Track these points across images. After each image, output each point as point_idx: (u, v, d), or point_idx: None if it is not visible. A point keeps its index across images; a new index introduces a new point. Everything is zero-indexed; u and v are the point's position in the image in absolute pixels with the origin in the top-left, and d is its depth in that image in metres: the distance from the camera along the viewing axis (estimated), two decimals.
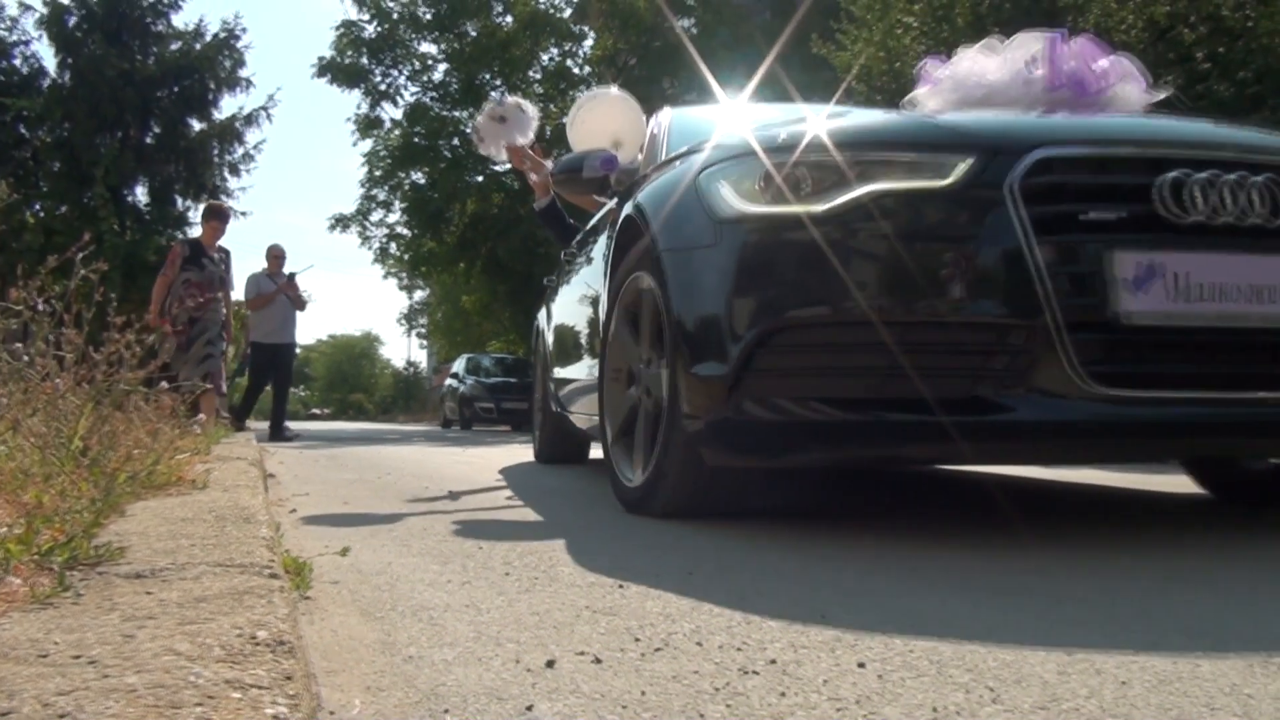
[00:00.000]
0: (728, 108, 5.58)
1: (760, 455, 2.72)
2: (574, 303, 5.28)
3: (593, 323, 4.50)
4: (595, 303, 4.47)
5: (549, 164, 5.70)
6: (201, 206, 9.82)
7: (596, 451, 6.25)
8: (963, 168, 2.47)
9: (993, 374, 2.41)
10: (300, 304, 11.24)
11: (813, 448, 2.61)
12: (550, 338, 6.31)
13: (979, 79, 3.68)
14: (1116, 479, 4.45)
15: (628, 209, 3.48)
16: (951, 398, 2.42)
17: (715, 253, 2.75)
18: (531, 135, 5.78)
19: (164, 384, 3.68)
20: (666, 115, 4.73)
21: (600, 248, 4.42)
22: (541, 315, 6.92)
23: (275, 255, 11.42)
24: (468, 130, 23.04)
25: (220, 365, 9.21)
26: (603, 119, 5.22)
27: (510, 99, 6.02)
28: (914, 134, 2.76)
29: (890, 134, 2.79)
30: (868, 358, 2.47)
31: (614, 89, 5.41)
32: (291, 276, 11.19)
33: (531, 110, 5.97)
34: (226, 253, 9.56)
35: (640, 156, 4.85)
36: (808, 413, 2.52)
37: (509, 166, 22.18)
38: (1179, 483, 3.95)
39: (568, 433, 5.95)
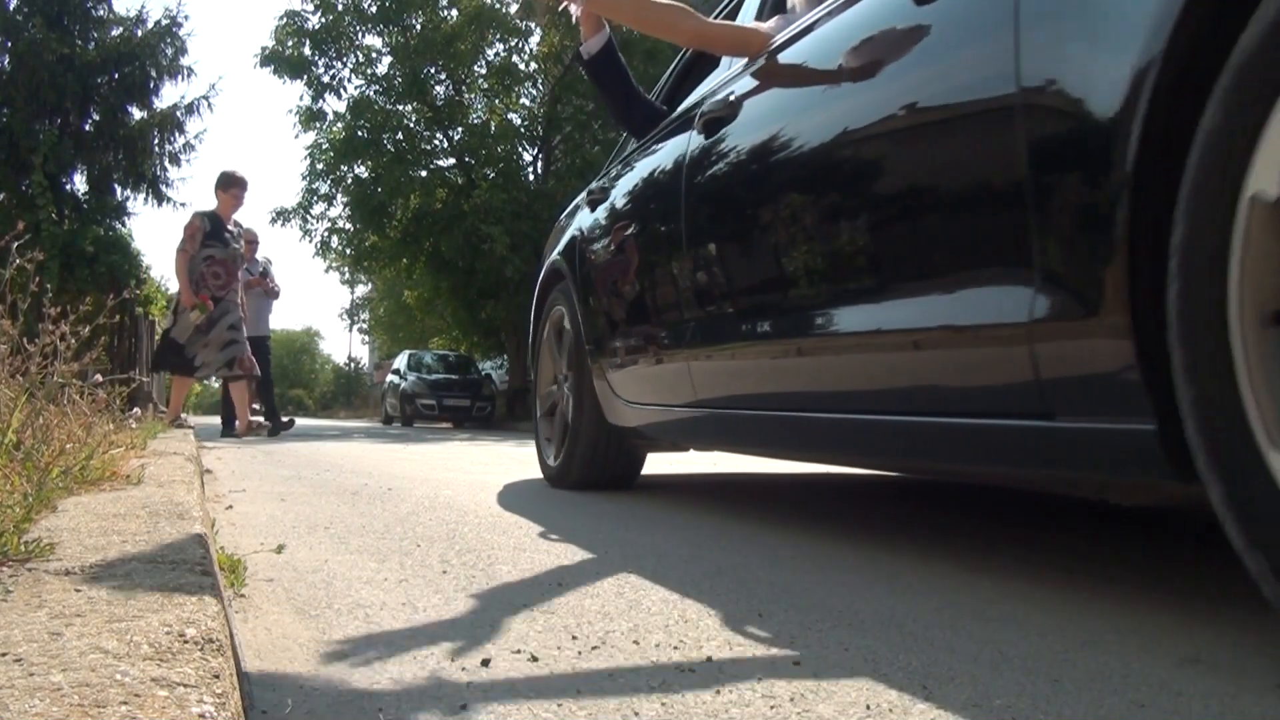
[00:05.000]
0: None
1: None
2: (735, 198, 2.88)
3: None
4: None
5: None
6: (219, 173, 8.63)
7: (653, 466, 4.93)
8: None
9: None
10: (274, 293, 10.78)
11: None
12: (610, 286, 3.88)
13: None
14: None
15: None
16: None
17: None
18: None
19: (98, 376, 3.61)
20: None
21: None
22: (564, 255, 4.44)
23: (248, 241, 10.86)
24: (412, 123, 22.91)
25: (247, 350, 8.60)
26: None
27: None
28: None
29: None
30: None
31: None
32: (265, 270, 10.79)
33: None
34: (240, 226, 8.91)
35: None
36: None
37: (452, 162, 21.43)
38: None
39: (618, 443, 4.05)
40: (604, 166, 4.58)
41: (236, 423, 9.11)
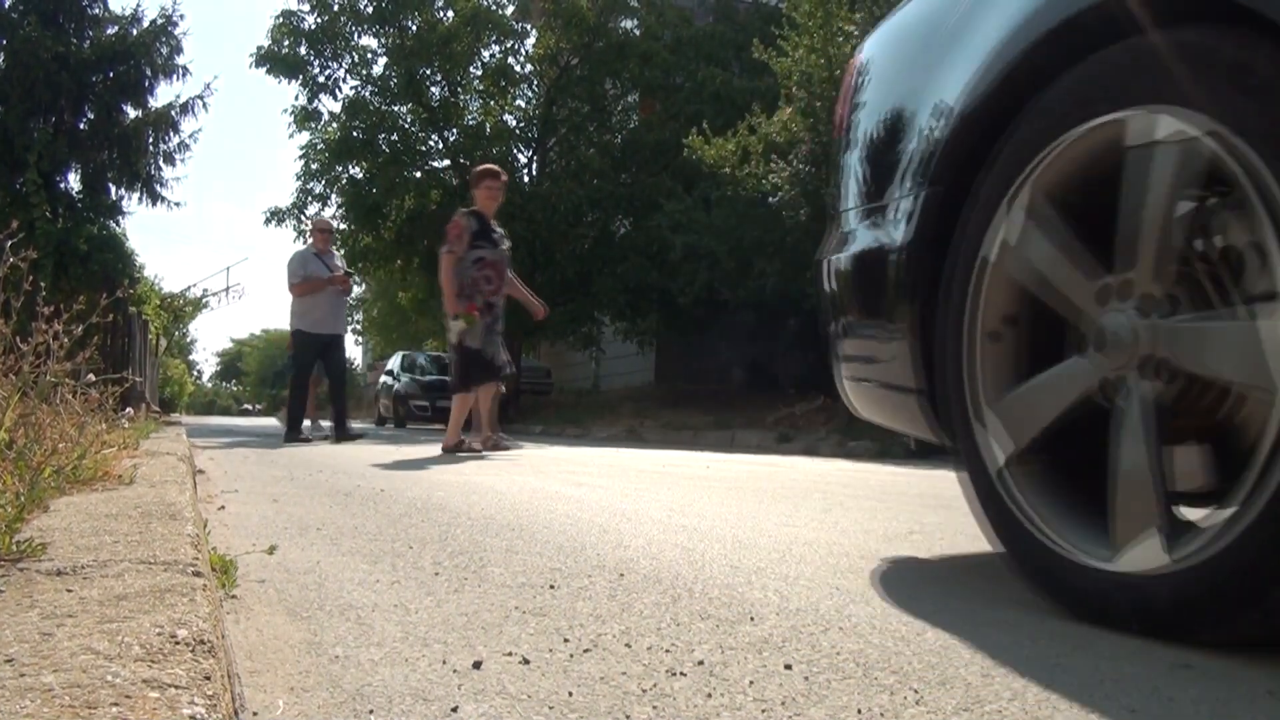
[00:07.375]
0: None
1: None
2: None
3: None
4: None
5: None
6: (472, 172, 8.09)
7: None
8: None
9: None
10: (348, 289, 10.37)
11: None
12: None
13: None
14: None
15: None
16: None
17: None
18: None
19: (91, 376, 3.60)
20: None
21: None
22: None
23: (324, 230, 10.48)
24: (407, 124, 22.89)
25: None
26: None
27: None
28: None
29: None
30: None
31: None
32: (348, 272, 10.32)
33: None
34: (501, 228, 8.05)
35: None
36: None
37: (447, 163, 21.50)
38: None
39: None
40: None
41: (443, 441, 7.91)
